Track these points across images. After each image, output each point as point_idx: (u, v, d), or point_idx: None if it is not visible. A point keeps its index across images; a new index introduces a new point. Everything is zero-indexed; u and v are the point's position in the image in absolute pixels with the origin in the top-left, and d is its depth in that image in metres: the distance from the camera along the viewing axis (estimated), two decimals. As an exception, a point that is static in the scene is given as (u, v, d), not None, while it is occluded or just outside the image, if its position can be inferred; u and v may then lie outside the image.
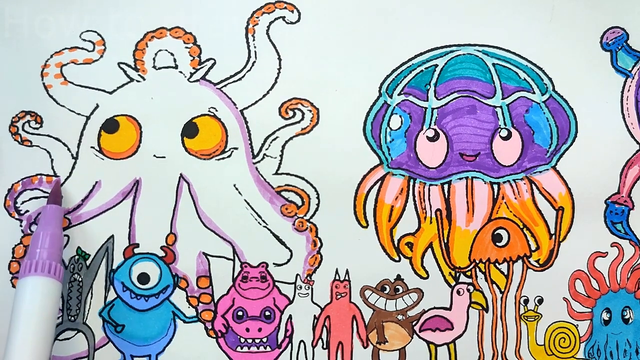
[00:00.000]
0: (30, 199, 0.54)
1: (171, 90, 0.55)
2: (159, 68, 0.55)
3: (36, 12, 0.54)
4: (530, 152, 0.55)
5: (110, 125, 0.54)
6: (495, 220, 0.55)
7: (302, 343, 0.54)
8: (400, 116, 0.55)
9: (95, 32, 0.55)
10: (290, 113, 0.55)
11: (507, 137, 0.55)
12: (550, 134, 0.55)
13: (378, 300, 0.55)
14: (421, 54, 0.56)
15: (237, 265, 0.54)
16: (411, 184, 0.55)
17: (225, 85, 0.55)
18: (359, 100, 0.55)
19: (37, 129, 0.54)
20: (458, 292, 0.55)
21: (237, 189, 0.54)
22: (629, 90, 0.56)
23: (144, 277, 0.54)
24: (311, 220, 0.55)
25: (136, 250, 0.54)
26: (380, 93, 0.55)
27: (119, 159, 0.54)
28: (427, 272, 0.55)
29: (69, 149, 0.54)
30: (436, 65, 0.55)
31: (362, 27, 0.55)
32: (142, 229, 0.54)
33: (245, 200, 0.54)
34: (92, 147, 0.54)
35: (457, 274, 0.55)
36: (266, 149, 0.55)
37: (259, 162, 0.55)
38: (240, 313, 0.54)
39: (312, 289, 0.54)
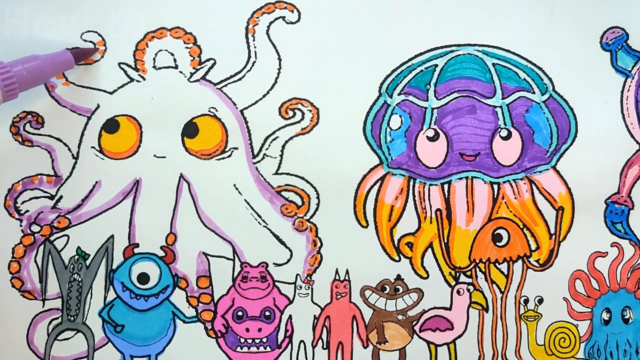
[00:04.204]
0: (31, 199, 0.54)
1: (171, 90, 0.55)
2: (159, 68, 0.55)
3: (36, 12, 0.54)
4: (530, 152, 0.55)
5: (111, 126, 0.54)
6: (495, 220, 0.55)
7: (302, 343, 0.54)
8: (400, 116, 0.55)
9: (96, 32, 0.55)
10: (290, 113, 0.55)
11: (507, 137, 0.55)
12: (550, 134, 0.55)
13: (378, 300, 0.55)
14: (421, 54, 0.56)
15: (237, 265, 0.54)
16: (411, 183, 0.55)
17: (225, 85, 0.55)
18: (359, 100, 0.55)
19: (38, 129, 0.54)
20: (458, 292, 0.55)
21: (237, 188, 0.54)
22: (628, 90, 0.56)
23: (143, 277, 0.54)
24: (311, 220, 0.55)
25: (136, 250, 0.54)
26: (380, 93, 0.55)
27: (119, 159, 0.54)
28: (427, 272, 0.55)
29: (69, 149, 0.54)
30: (436, 65, 0.55)
31: (362, 27, 0.55)
32: (142, 229, 0.54)
33: (245, 200, 0.54)
34: (92, 147, 0.54)
35: (457, 274, 0.55)
36: (266, 149, 0.55)
37: (259, 162, 0.55)
38: (240, 313, 0.54)
39: (312, 289, 0.54)
